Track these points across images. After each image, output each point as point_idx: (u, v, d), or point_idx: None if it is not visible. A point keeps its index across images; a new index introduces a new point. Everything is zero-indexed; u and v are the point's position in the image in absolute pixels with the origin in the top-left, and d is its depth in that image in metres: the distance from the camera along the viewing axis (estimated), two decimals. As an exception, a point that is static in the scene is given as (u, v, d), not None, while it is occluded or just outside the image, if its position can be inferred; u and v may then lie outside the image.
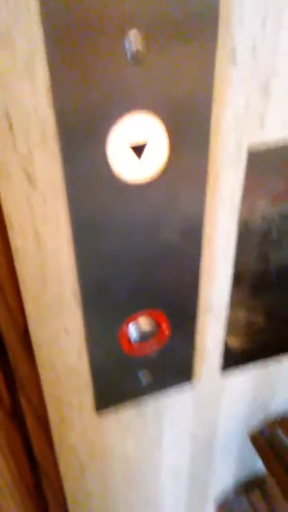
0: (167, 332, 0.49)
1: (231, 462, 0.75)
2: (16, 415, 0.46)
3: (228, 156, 0.40)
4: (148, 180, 0.38)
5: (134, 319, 0.46)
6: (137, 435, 0.60)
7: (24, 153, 0.34)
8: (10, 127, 0.32)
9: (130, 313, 0.46)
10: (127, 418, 0.58)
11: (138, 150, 0.36)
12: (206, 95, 0.36)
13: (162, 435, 0.62)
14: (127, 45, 0.31)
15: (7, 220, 0.36)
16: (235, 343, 0.57)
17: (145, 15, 0.31)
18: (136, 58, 0.32)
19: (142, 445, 0.62)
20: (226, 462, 0.74)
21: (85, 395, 0.52)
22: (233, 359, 0.58)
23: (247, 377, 0.62)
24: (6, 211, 0.36)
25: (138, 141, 0.35)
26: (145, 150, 0.36)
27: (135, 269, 0.43)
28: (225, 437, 0.68)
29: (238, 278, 0.51)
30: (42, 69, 0.31)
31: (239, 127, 0.39)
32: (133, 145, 0.35)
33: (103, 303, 0.44)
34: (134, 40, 0.31)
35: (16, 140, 0.33)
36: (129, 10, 0.30)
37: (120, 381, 0.52)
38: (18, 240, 0.37)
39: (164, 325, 0.49)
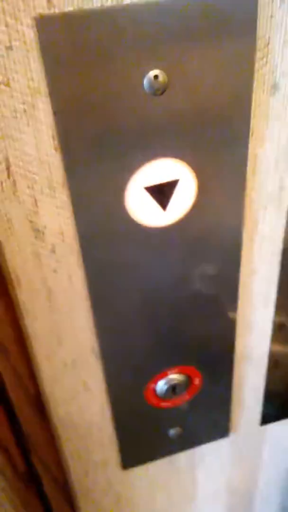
0: (199, 384, 0.44)
1: None
2: (32, 479, 0.42)
3: (267, 195, 0.34)
4: (173, 223, 0.33)
5: (162, 376, 0.41)
6: (168, 488, 0.55)
7: (29, 203, 0.29)
8: (10, 175, 0.28)
9: (157, 370, 0.41)
10: (156, 471, 0.52)
11: (161, 194, 0.31)
12: (242, 130, 0.30)
13: (196, 488, 0.56)
14: (146, 83, 0.26)
15: (13, 277, 0.32)
16: (277, 392, 0.50)
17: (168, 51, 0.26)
18: (157, 93, 0.27)
19: (174, 499, 0.56)
20: (268, 512, 0.67)
21: (110, 451, 0.47)
22: (275, 408, 0.52)
23: (291, 426, 0.56)
24: (11, 266, 0.32)
25: (161, 185, 0.30)
26: (170, 193, 0.31)
27: (162, 321, 0.38)
28: (267, 489, 0.62)
29: (281, 324, 0.44)
30: (46, 111, 0.26)
31: (281, 164, 0.33)
32: (155, 190, 0.30)
33: (127, 358, 0.39)
34: (155, 78, 0.26)
35: (18, 189, 0.29)
36: (149, 48, 0.25)
37: (148, 437, 0.47)
38: (27, 297, 0.33)
39: (197, 379, 0.43)
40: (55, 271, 0.33)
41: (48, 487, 0.42)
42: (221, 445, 0.52)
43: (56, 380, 0.39)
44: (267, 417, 0.52)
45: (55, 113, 0.26)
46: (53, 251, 0.32)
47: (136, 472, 0.51)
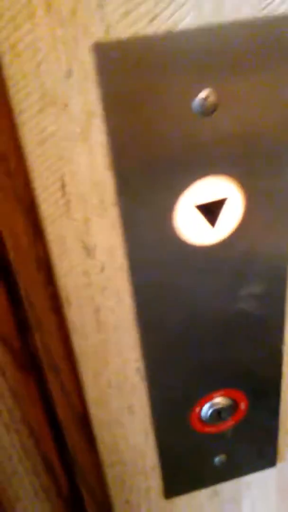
0: (245, 409, 0.43)
1: None
2: (76, 503, 0.41)
3: (316, 213, 0.34)
4: (220, 242, 0.33)
5: (207, 400, 0.40)
6: (212, 521, 0.53)
7: (80, 221, 0.30)
8: (64, 194, 0.29)
9: (202, 393, 0.40)
10: (200, 501, 0.51)
11: (210, 212, 0.31)
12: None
13: (241, 522, 0.54)
14: (197, 104, 0.27)
15: (63, 295, 0.32)
16: None
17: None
18: (208, 113, 0.27)
19: (218, 533, 0.54)
20: None
21: (153, 478, 0.46)
22: None
23: None
24: (62, 284, 0.32)
25: (210, 203, 0.31)
26: (218, 212, 0.31)
27: (208, 343, 0.38)
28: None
29: None
30: (101, 133, 0.27)
31: None
32: (204, 208, 0.31)
33: (172, 380, 0.39)
34: (205, 99, 0.27)
35: (71, 208, 0.29)
36: (200, 69, 0.26)
37: (192, 464, 0.46)
38: (76, 316, 0.33)
39: (243, 404, 0.42)
40: (103, 289, 0.33)
41: (91, 513, 0.41)
42: (267, 475, 0.50)
43: (101, 401, 0.39)
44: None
45: (108, 135, 0.27)
46: (102, 269, 0.32)
47: (179, 501, 0.49)
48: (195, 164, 0.29)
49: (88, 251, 0.31)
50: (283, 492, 0.53)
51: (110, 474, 0.44)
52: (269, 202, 0.32)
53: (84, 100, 0.26)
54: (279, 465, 0.50)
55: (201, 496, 0.50)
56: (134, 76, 0.26)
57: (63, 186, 0.29)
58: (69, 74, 0.25)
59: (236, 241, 0.33)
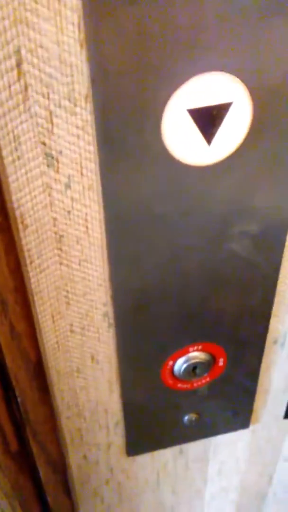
0: (223, 366, 0.38)
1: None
2: (26, 460, 0.36)
3: None
4: (217, 162, 0.26)
5: (182, 353, 0.35)
6: (175, 480, 0.50)
7: (42, 117, 0.23)
8: (21, 76, 0.22)
9: (177, 345, 0.35)
10: (164, 460, 0.47)
11: (208, 120, 0.25)
12: None
13: (206, 483, 0.51)
14: None
15: (17, 214, 0.26)
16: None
17: None
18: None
19: (180, 493, 0.51)
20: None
21: (115, 435, 0.41)
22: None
23: None
24: (16, 200, 0.26)
25: (209, 107, 0.24)
26: (219, 120, 0.25)
27: (189, 287, 0.32)
28: (282, 489, 0.56)
29: None
30: None
31: None
32: (201, 113, 0.24)
33: (145, 329, 0.34)
34: None
35: (29, 96, 0.22)
36: None
37: (159, 422, 0.41)
38: (32, 241, 0.27)
39: (221, 360, 0.37)
40: (68, 212, 0.27)
41: (43, 471, 0.37)
42: (239, 437, 0.47)
43: (61, 348, 0.33)
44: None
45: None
46: (68, 186, 0.26)
47: (141, 459, 0.46)
48: (195, 51, 0.22)
49: (51, 159, 0.25)
50: (254, 455, 0.49)
51: (67, 428, 0.39)
52: (283, 120, 0.26)
53: None
54: (252, 426, 0.46)
55: (166, 454, 0.46)
56: None
57: (18, 63, 0.21)
58: None
59: (237, 163, 0.27)
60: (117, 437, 0.42)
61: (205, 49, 0.22)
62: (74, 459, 0.42)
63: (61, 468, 0.38)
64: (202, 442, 0.46)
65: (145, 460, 0.46)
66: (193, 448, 0.47)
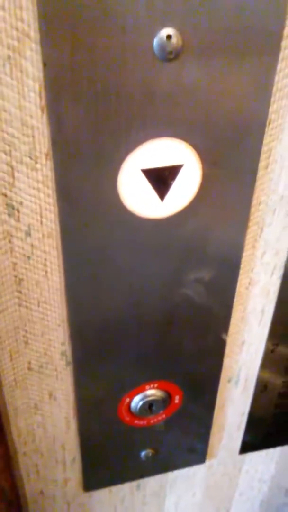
0: (179, 403, 0.39)
1: None
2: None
3: (278, 197, 0.31)
4: (169, 216, 0.28)
5: (139, 391, 0.37)
6: (133, 515, 0.50)
7: (4, 171, 0.25)
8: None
9: (134, 383, 0.36)
10: (121, 496, 0.47)
11: (161, 180, 0.27)
12: (259, 117, 0.26)
13: (163, 518, 0.51)
14: (157, 45, 0.22)
15: (-22, 259, 0.27)
16: (261, 419, 0.46)
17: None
18: (169, 57, 0.23)
19: (138, 528, 0.51)
20: None
21: (72, 470, 0.42)
22: (258, 437, 0.48)
23: (271, 457, 0.51)
24: (-23, 247, 0.27)
25: (162, 169, 0.26)
26: (171, 180, 0.27)
27: (145, 329, 0.34)
28: (239, 523, 0.57)
29: (275, 346, 0.40)
30: (35, 61, 0.22)
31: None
32: (154, 174, 0.26)
33: (102, 367, 0.35)
34: (168, 39, 0.22)
35: (-7, 155, 0.24)
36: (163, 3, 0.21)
37: (116, 457, 0.42)
38: (-8, 285, 0.28)
39: (177, 397, 0.39)
40: (28, 257, 0.28)
41: (-3, 507, 0.37)
42: (195, 472, 0.48)
43: (19, 385, 0.34)
44: (247, 446, 0.47)
45: (45, 65, 0.22)
46: (28, 233, 0.27)
47: (98, 494, 0.46)
48: (148, 118, 0.24)
49: (12, 209, 0.26)
50: (210, 489, 0.50)
51: (23, 464, 0.40)
52: (230, 177, 0.28)
53: (16, 15, 0.21)
54: (208, 462, 0.47)
55: (124, 489, 0.47)
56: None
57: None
58: None
59: (187, 218, 0.29)
60: (74, 473, 0.42)
61: (157, 118, 0.24)
62: (30, 494, 0.42)
63: (16, 503, 0.38)
64: (159, 477, 0.47)
65: (103, 495, 0.46)
66: (150, 482, 0.47)
